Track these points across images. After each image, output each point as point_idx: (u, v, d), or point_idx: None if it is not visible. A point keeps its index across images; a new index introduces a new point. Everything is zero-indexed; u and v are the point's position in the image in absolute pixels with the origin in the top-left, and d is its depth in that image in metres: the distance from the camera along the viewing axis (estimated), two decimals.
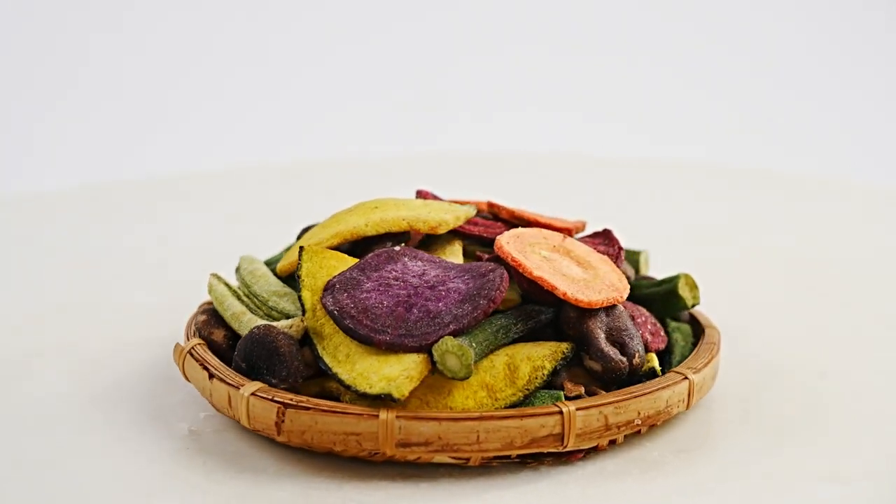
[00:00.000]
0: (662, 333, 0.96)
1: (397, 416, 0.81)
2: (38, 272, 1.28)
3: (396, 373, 0.83)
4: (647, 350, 0.92)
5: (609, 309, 0.89)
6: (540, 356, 0.87)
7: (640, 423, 0.87)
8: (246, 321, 0.93)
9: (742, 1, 2.55)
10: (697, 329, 1.00)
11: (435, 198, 1.02)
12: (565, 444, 0.83)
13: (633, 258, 1.07)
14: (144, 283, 1.24)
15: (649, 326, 0.94)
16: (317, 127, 2.37)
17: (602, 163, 1.81)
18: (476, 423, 0.82)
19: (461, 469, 0.85)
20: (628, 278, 0.98)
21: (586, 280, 0.90)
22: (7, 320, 1.14)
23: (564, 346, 0.88)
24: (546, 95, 2.46)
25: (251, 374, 0.87)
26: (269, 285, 0.96)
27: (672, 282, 0.99)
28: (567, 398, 0.86)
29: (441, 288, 0.89)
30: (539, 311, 0.90)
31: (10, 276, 1.27)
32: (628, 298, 0.97)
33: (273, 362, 0.87)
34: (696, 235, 1.42)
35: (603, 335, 0.88)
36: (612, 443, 0.88)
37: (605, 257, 0.93)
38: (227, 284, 0.97)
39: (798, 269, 1.31)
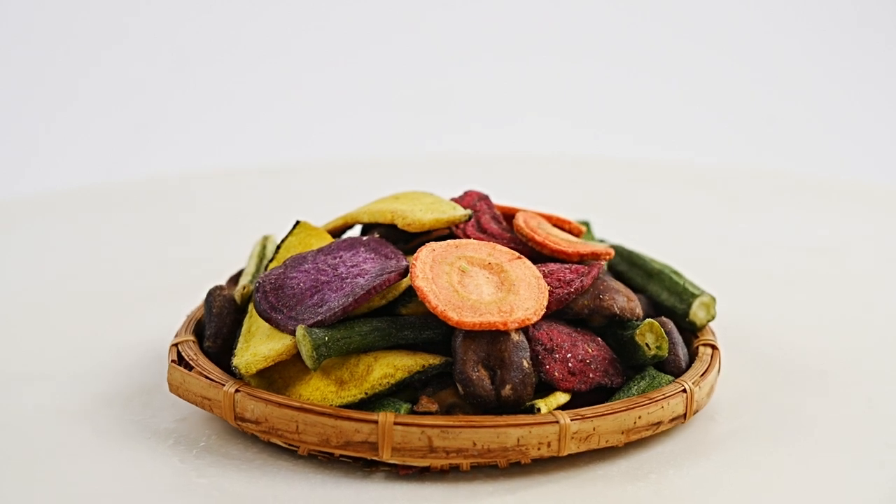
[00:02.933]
0: (605, 375, 0.90)
1: (236, 391, 0.86)
2: (37, 272, 1.28)
3: (264, 352, 0.87)
4: (557, 387, 0.87)
5: (498, 335, 0.85)
6: (399, 365, 0.86)
7: (477, 454, 0.82)
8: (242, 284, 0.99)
9: (741, 2, 2.55)
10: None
11: (484, 199, 1.01)
12: (380, 454, 0.82)
13: (687, 300, 0.98)
14: (145, 283, 1.24)
15: (571, 364, 0.88)
16: (322, 128, 2.37)
17: (604, 163, 1.81)
18: (295, 413, 0.84)
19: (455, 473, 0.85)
20: (613, 313, 0.92)
21: (484, 302, 0.86)
22: (7, 320, 1.14)
23: (433, 361, 0.87)
24: (547, 96, 2.46)
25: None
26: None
27: (635, 328, 0.92)
28: (414, 412, 0.84)
29: (349, 280, 0.90)
30: (429, 325, 0.88)
31: (9, 277, 1.27)
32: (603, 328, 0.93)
33: (209, 321, 0.94)
34: (696, 235, 1.42)
35: (474, 358, 0.85)
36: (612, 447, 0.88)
37: (544, 287, 0.88)
38: (263, 247, 1.04)
39: (798, 269, 1.31)
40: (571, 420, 0.84)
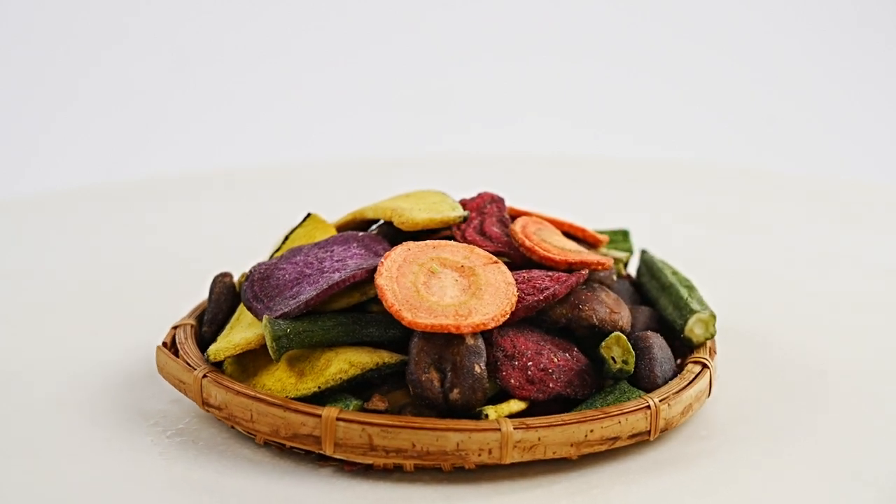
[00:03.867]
0: (569, 386, 0.88)
1: (204, 376, 0.88)
2: (37, 272, 1.28)
3: (236, 340, 0.90)
4: (513, 395, 0.86)
5: (452, 338, 0.85)
6: (355, 361, 0.86)
7: (417, 455, 0.82)
8: None
9: (741, 2, 2.55)
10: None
11: (496, 202, 1.01)
12: (323, 448, 0.83)
13: (686, 315, 0.96)
14: (145, 283, 1.24)
15: (531, 373, 0.87)
16: (322, 128, 2.37)
17: (604, 163, 1.81)
18: (250, 402, 0.85)
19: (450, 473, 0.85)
20: (591, 324, 0.90)
21: (443, 304, 0.86)
22: (7, 320, 1.14)
23: (388, 359, 0.87)
24: (547, 96, 2.46)
25: None
26: None
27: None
28: (365, 409, 0.85)
29: (328, 274, 0.91)
30: (395, 323, 0.88)
31: (9, 276, 1.27)
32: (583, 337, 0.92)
33: (208, 306, 0.97)
34: (696, 235, 1.42)
35: (427, 360, 0.84)
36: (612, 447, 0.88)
37: (512, 294, 0.88)
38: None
39: (798, 269, 1.31)
40: (515, 429, 0.82)
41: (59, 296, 1.21)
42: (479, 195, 1.01)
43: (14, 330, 1.12)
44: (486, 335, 0.87)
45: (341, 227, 1.03)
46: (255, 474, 0.85)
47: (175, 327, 0.96)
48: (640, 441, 0.87)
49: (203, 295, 1.05)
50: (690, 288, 1.00)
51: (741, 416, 0.94)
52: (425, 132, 2.37)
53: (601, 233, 1.07)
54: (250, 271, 0.93)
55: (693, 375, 0.91)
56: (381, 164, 1.78)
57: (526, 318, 0.90)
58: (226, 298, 0.96)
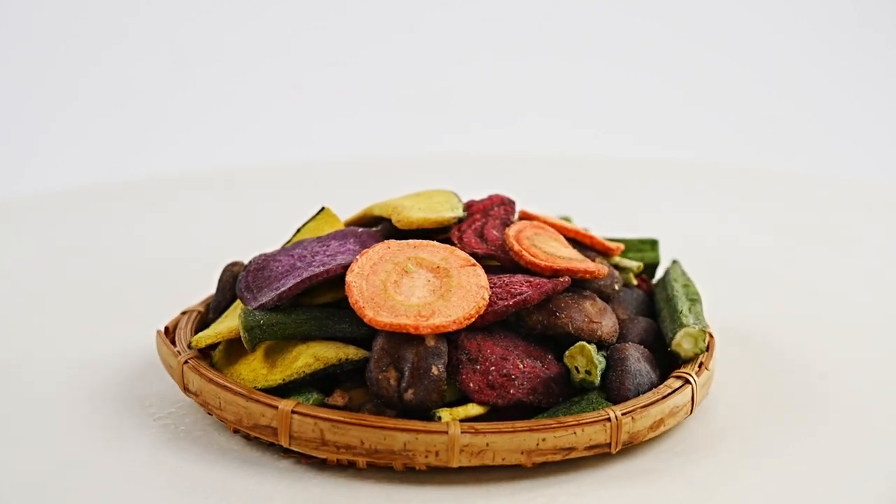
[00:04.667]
0: (531, 393, 0.87)
1: (185, 362, 0.91)
2: (37, 272, 1.28)
3: (219, 328, 0.92)
4: (472, 398, 0.86)
5: (414, 338, 0.85)
6: (321, 355, 0.87)
7: (365, 453, 0.83)
8: None
9: (741, 2, 2.55)
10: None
11: (504, 205, 1.00)
12: (279, 439, 0.85)
13: (675, 329, 0.94)
14: (145, 283, 1.24)
15: (492, 378, 0.86)
16: (322, 128, 2.37)
17: (604, 163, 1.81)
18: (219, 391, 0.88)
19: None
20: (566, 332, 0.89)
21: (408, 304, 0.86)
22: (7, 320, 1.14)
23: (351, 355, 0.87)
24: (547, 96, 2.46)
25: None
26: None
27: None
28: (325, 403, 0.86)
29: (312, 267, 0.92)
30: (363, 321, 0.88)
31: (9, 276, 1.27)
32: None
33: (215, 294, 0.99)
34: (696, 235, 1.42)
35: (387, 358, 0.85)
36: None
37: (482, 298, 0.87)
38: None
39: (798, 269, 1.31)
40: (462, 433, 0.82)
41: (59, 296, 1.21)
42: (490, 197, 1.01)
43: (14, 330, 1.12)
44: (453, 337, 0.87)
45: (350, 224, 1.03)
46: (217, 461, 0.87)
47: (183, 313, 0.99)
48: (601, 453, 0.86)
49: (203, 295, 1.06)
50: (694, 301, 0.98)
51: (741, 416, 0.94)
52: (425, 132, 2.37)
53: (626, 241, 1.06)
54: (250, 261, 0.95)
55: (669, 391, 0.89)
56: (382, 164, 1.78)
57: (504, 322, 0.90)
58: (230, 287, 0.98)
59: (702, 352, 0.94)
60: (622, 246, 1.02)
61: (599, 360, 0.89)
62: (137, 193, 1.60)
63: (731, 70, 2.48)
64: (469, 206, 1.00)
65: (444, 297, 0.87)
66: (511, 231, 0.95)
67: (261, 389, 0.87)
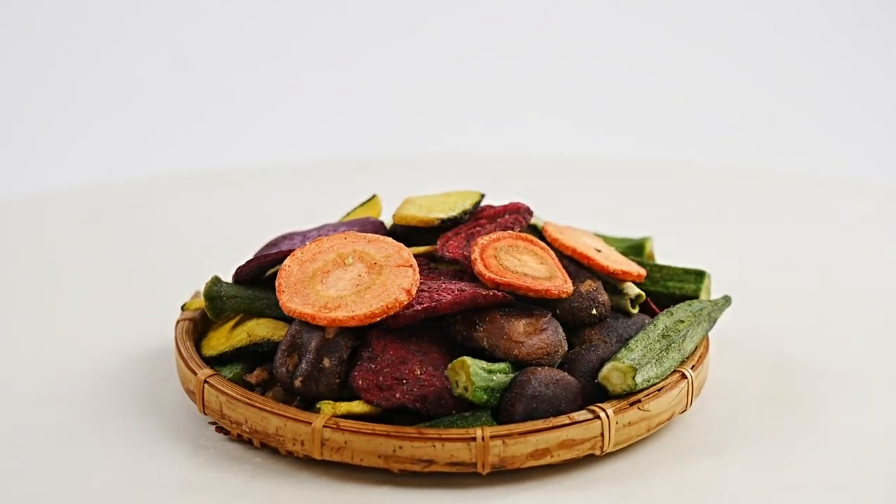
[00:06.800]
0: (418, 400, 0.85)
1: (177, 323, 0.97)
2: (37, 272, 1.28)
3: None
4: (359, 396, 0.85)
5: (317, 329, 0.86)
6: (252, 333, 0.91)
7: (248, 431, 0.86)
8: None
9: (741, 2, 2.55)
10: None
11: (517, 212, 0.99)
12: (197, 406, 0.90)
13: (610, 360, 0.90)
14: (145, 283, 1.24)
15: (382, 378, 0.85)
16: (322, 128, 2.37)
17: (604, 163, 1.81)
18: (176, 353, 0.93)
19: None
20: (481, 346, 0.88)
21: (323, 295, 0.87)
22: (7, 320, 1.14)
23: (271, 336, 0.91)
24: (547, 96, 2.46)
25: None
26: None
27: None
28: (243, 379, 0.90)
29: (284, 248, 0.96)
30: None
31: (9, 276, 1.27)
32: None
33: None
34: (696, 235, 1.42)
35: (293, 344, 0.86)
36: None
37: (398, 301, 0.86)
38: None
39: (798, 269, 1.31)
40: (324, 426, 0.83)
41: (59, 296, 1.21)
42: (508, 204, 1.00)
43: (14, 330, 1.12)
44: (363, 333, 0.88)
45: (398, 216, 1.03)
46: (159, 427, 0.91)
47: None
48: (466, 472, 0.84)
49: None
50: (665, 338, 0.91)
51: (740, 416, 0.94)
52: (425, 132, 2.37)
53: (670, 269, 1.02)
54: (267, 243, 1.01)
55: (567, 422, 0.84)
56: (382, 164, 1.78)
57: (442, 328, 0.89)
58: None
59: (631, 390, 0.87)
60: (642, 273, 0.97)
61: (489, 379, 0.85)
62: (137, 193, 1.60)
63: (731, 70, 2.48)
64: (481, 211, 0.99)
65: (360, 293, 0.87)
66: (483, 240, 0.93)
67: (209, 357, 0.92)
